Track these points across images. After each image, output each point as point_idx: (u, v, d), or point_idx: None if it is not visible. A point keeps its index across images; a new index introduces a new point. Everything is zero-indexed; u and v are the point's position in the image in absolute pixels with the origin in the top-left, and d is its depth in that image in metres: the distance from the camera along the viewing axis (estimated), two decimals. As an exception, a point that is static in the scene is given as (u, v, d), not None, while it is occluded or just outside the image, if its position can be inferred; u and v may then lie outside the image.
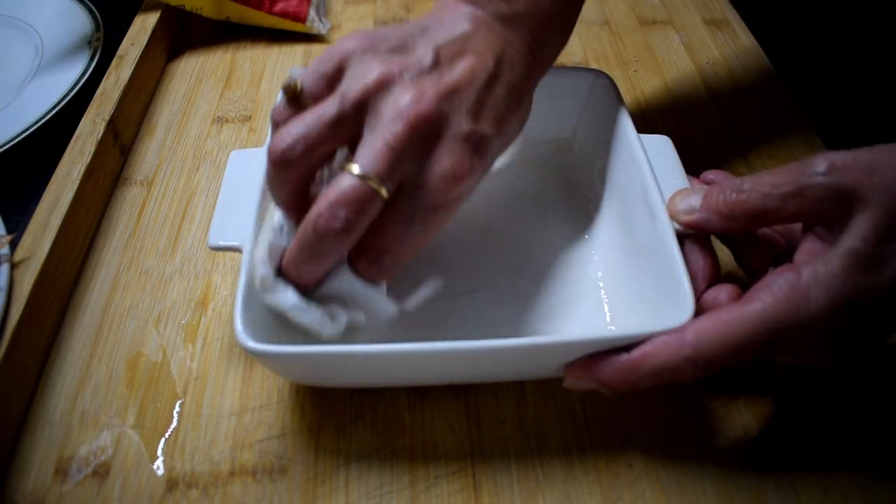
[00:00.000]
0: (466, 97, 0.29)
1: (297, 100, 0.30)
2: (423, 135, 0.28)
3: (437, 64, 0.30)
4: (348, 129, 0.29)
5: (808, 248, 0.28)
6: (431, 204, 0.29)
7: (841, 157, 0.26)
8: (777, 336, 0.26)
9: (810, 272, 0.26)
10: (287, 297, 0.30)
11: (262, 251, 0.30)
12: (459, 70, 0.30)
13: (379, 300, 0.31)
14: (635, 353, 0.28)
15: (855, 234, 0.25)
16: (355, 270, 0.30)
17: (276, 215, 0.31)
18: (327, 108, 0.29)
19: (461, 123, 0.29)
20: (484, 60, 0.30)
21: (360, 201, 0.27)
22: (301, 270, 0.29)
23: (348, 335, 0.31)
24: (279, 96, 0.31)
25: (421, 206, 0.29)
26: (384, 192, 0.28)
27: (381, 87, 0.29)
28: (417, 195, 0.29)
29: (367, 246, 0.29)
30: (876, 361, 0.34)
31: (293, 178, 0.29)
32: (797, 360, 0.33)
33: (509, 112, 0.31)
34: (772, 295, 0.26)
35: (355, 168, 0.27)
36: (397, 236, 0.29)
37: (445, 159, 0.29)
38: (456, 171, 0.29)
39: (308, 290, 0.30)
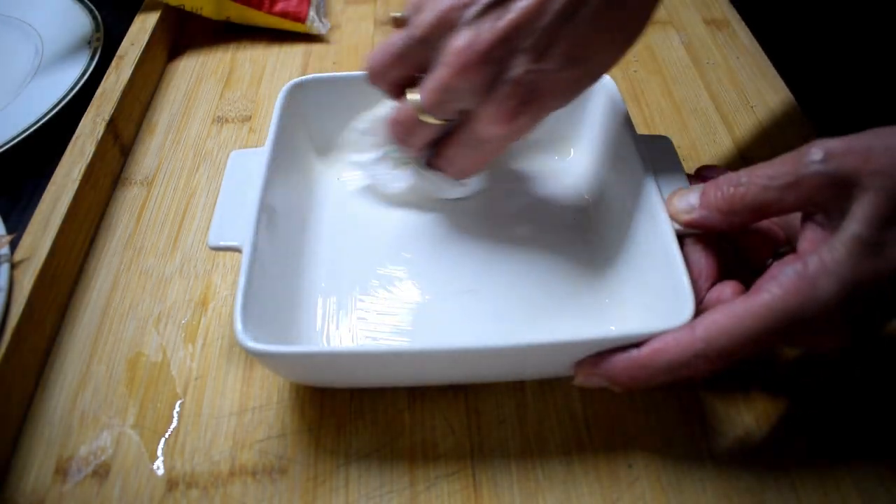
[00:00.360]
0: (530, 33, 0.29)
1: (399, 26, 0.33)
2: (471, 79, 0.30)
3: None
4: (417, 57, 0.32)
5: (810, 237, 0.28)
6: (483, 136, 0.32)
7: (836, 144, 0.26)
8: (787, 326, 0.26)
9: (816, 261, 0.26)
10: (370, 150, 0.38)
11: (370, 115, 0.38)
12: (523, 4, 0.29)
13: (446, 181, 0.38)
14: (646, 349, 0.28)
15: (857, 220, 0.25)
16: (432, 162, 0.37)
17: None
18: (395, 41, 0.32)
19: (516, 65, 0.29)
20: None
21: (410, 125, 0.33)
22: (391, 141, 0.36)
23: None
24: None
25: (474, 136, 0.33)
26: (432, 120, 0.32)
27: (444, 24, 0.30)
28: (470, 127, 0.32)
29: (439, 154, 0.35)
30: (876, 351, 0.34)
31: (382, 85, 0.34)
32: (806, 349, 0.33)
33: (597, 43, 0.30)
34: (780, 286, 0.26)
35: (410, 95, 0.32)
36: (458, 153, 0.34)
37: (492, 103, 0.30)
38: (500, 117, 0.31)
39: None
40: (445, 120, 0.32)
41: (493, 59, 0.29)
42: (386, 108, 0.36)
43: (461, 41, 0.30)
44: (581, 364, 0.29)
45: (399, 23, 0.33)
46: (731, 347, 0.26)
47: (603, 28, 0.30)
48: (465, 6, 0.30)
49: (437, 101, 0.31)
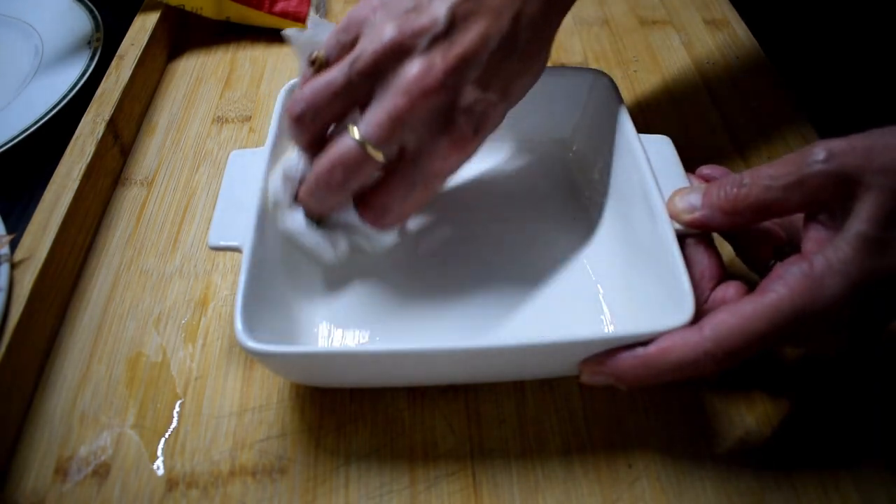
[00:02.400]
0: (476, 65, 0.29)
1: (321, 68, 0.32)
2: (427, 108, 0.29)
3: (451, 25, 0.30)
4: (356, 94, 0.30)
5: (814, 236, 0.28)
6: (432, 171, 0.31)
7: (838, 144, 0.26)
8: (794, 326, 0.26)
9: (822, 260, 0.26)
10: (294, 221, 0.33)
11: (277, 178, 0.33)
12: (472, 35, 0.29)
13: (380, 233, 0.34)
14: (653, 348, 0.28)
15: (861, 219, 0.26)
16: (361, 217, 0.33)
17: (295, 149, 0.33)
18: (336, 77, 0.30)
19: (467, 95, 0.30)
20: (500, 20, 0.30)
21: (355, 164, 0.30)
22: (309, 205, 0.33)
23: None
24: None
25: (421, 172, 0.31)
26: (380, 157, 0.30)
27: (392, 54, 0.30)
28: (419, 162, 0.31)
29: (372, 201, 0.32)
30: (877, 350, 0.34)
31: (306, 132, 0.32)
32: (811, 348, 0.33)
33: (521, 75, 0.31)
34: (786, 285, 0.26)
35: (356, 132, 0.30)
36: (398, 195, 0.32)
37: (447, 132, 0.30)
38: (456, 144, 0.30)
39: (318, 219, 0.34)
40: (386, 161, 0.30)
41: (448, 86, 0.29)
42: (291, 164, 0.33)
43: (415, 70, 0.29)
44: (587, 362, 0.29)
45: (321, 64, 0.31)
46: (739, 347, 0.26)
47: (527, 59, 0.31)
48: (416, 36, 0.29)
49: (389, 133, 0.29)
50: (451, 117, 0.30)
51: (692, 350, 0.27)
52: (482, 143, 0.32)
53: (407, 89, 0.29)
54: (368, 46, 0.30)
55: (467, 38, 0.29)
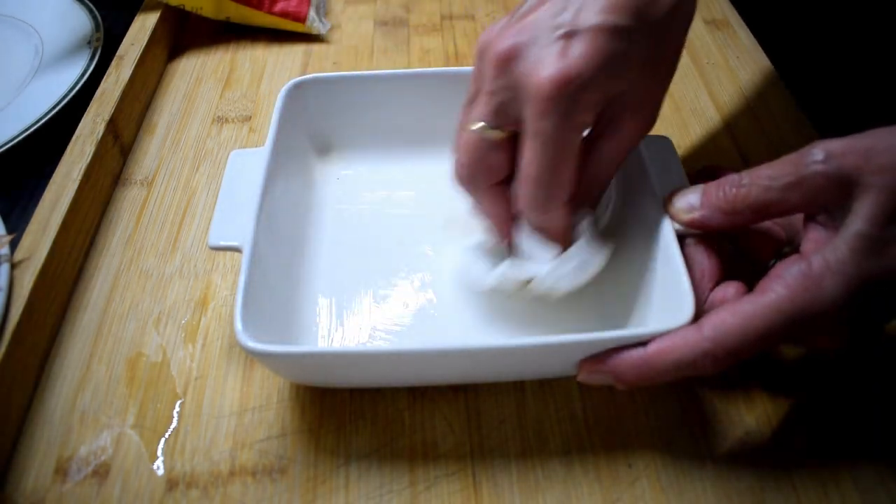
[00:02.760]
0: (546, 13, 0.29)
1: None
2: (509, 68, 0.29)
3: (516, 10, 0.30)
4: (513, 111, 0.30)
5: (813, 236, 0.28)
6: (538, 120, 0.28)
7: (837, 144, 0.26)
8: (793, 325, 0.26)
9: (821, 260, 0.26)
10: (491, 275, 0.34)
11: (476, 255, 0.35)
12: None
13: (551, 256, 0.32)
14: (653, 347, 0.28)
15: (860, 219, 0.26)
16: (530, 223, 0.32)
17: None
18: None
19: (540, 36, 0.28)
20: None
21: (473, 146, 0.31)
22: (536, 212, 0.31)
23: None
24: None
25: (535, 127, 0.28)
26: (490, 135, 0.30)
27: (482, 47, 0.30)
28: (528, 119, 0.28)
29: (517, 184, 0.31)
30: (877, 350, 0.34)
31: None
32: (810, 348, 0.33)
33: None
34: (786, 285, 0.26)
35: (466, 123, 0.31)
36: (528, 162, 0.29)
37: (532, 74, 0.28)
38: (544, 78, 0.27)
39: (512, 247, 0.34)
40: (503, 131, 0.30)
41: (519, 44, 0.29)
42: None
43: (484, 39, 0.30)
44: (586, 361, 0.29)
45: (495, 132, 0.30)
46: (738, 347, 0.26)
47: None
48: (532, 39, 0.28)
49: (487, 107, 0.30)
50: (534, 59, 0.28)
51: (691, 350, 0.27)
52: (594, 73, 0.28)
53: (485, 59, 0.30)
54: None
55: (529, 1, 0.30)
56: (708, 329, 0.27)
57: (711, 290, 0.30)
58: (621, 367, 0.28)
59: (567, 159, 0.29)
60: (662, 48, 0.30)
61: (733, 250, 0.33)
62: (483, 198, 0.33)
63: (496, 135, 0.30)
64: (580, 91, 0.27)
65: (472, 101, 0.32)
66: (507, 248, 0.34)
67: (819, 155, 0.26)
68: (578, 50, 0.27)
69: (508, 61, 0.29)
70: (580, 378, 0.30)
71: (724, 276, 0.31)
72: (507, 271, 0.33)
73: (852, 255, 0.25)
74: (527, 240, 0.32)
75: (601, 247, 0.32)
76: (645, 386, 0.28)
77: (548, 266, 0.31)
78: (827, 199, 0.27)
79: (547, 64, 0.27)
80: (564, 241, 0.32)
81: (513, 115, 0.29)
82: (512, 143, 0.30)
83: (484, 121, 0.30)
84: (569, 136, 0.29)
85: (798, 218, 0.29)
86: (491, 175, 0.32)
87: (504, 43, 0.29)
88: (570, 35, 0.28)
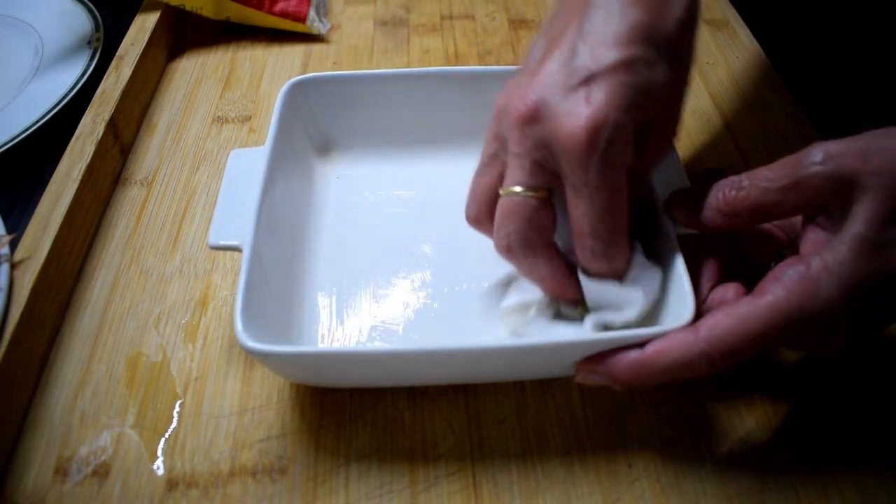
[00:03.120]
0: (558, 61, 0.28)
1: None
2: (536, 126, 0.28)
3: (528, 62, 0.29)
4: (548, 174, 0.29)
5: (812, 238, 0.28)
6: (581, 172, 0.28)
7: (836, 146, 0.26)
8: (790, 327, 0.26)
9: (819, 262, 0.26)
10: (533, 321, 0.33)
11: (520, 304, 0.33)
12: (543, 45, 0.29)
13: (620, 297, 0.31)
14: (649, 349, 0.28)
15: (859, 221, 0.26)
16: (586, 272, 0.32)
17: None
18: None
19: (559, 87, 0.28)
20: (569, 18, 0.29)
21: (519, 210, 0.30)
22: (532, 281, 0.33)
23: None
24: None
25: (581, 180, 0.28)
26: (532, 195, 0.29)
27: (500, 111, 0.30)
28: (571, 174, 0.28)
29: (574, 240, 0.30)
30: (877, 351, 0.34)
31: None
32: (808, 350, 0.33)
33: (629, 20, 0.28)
34: (783, 287, 0.26)
35: (501, 191, 0.30)
36: (582, 215, 0.29)
37: (564, 128, 0.27)
38: (577, 129, 0.27)
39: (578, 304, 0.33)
40: (542, 190, 0.29)
41: (540, 99, 0.28)
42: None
43: (503, 101, 0.29)
44: (582, 362, 0.29)
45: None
46: (735, 349, 0.26)
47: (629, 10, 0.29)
48: (552, 93, 0.28)
49: (522, 170, 0.29)
50: (560, 112, 0.28)
51: (687, 351, 0.27)
52: (624, 113, 0.27)
53: (509, 121, 0.29)
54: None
55: (539, 52, 0.30)
56: (704, 331, 0.27)
57: (710, 290, 0.30)
58: (617, 369, 0.28)
59: (619, 202, 0.29)
60: (679, 60, 0.29)
61: (733, 251, 0.33)
62: (540, 260, 0.31)
63: (540, 194, 0.29)
64: (615, 133, 0.27)
65: (488, 165, 0.31)
66: (555, 300, 0.33)
67: (818, 156, 0.26)
68: (602, 93, 0.27)
69: (534, 120, 0.28)
70: (577, 379, 0.30)
71: (723, 277, 0.31)
72: (598, 320, 0.31)
73: (851, 256, 0.25)
74: (589, 286, 0.32)
75: (654, 267, 0.32)
76: (641, 387, 0.28)
77: (637, 310, 0.31)
78: (826, 201, 0.27)
79: (576, 115, 0.27)
80: (624, 273, 0.31)
81: (549, 172, 0.29)
82: (551, 200, 0.30)
83: (522, 184, 0.29)
84: (616, 181, 0.28)
85: (798, 220, 0.29)
86: (544, 235, 0.31)
87: (525, 102, 0.28)
88: (590, 80, 0.27)
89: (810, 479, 0.31)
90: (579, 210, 0.29)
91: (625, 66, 0.27)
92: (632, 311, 0.31)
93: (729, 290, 0.30)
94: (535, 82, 0.28)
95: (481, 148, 0.32)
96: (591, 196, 0.28)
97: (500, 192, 0.30)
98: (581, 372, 0.30)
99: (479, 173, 0.32)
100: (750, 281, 0.29)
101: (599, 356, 0.29)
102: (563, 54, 0.28)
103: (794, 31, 0.57)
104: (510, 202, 0.30)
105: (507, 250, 0.31)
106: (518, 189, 0.29)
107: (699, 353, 0.27)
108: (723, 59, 0.53)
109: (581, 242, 0.30)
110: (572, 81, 0.27)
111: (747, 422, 0.33)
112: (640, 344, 0.28)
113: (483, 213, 0.32)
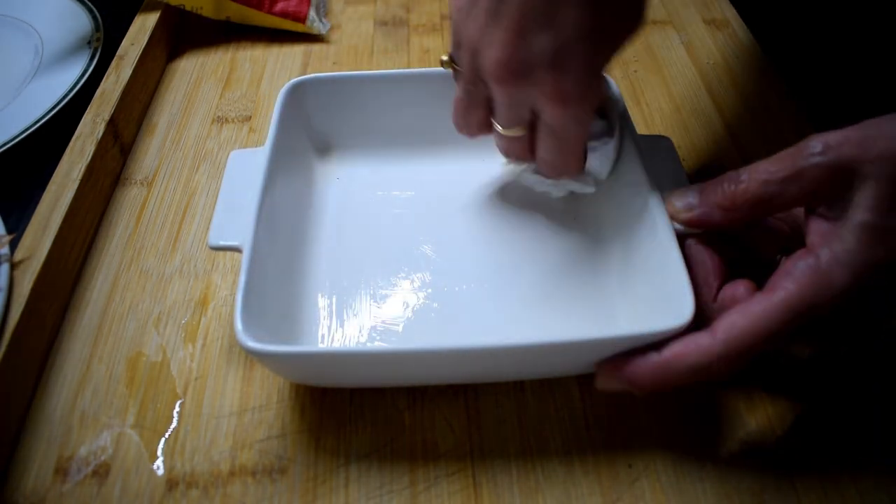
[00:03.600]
0: (536, 15, 0.29)
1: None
2: (515, 79, 0.30)
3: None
4: (481, 96, 0.34)
5: (817, 229, 0.28)
6: (552, 126, 0.32)
7: (834, 136, 0.26)
8: (805, 320, 0.26)
9: (828, 253, 0.26)
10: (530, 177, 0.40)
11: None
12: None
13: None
14: (667, 353, 0.28)
15: (862, 208, 0.26)
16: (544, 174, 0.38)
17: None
18: (458, 95, 0.35)
19: (543, 46, 0.29)
20: None
21: (508, 142, 0.35)
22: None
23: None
24: None
25: (546, 131, 0.33)
26: (512, 132, 0.34)
27: (472, 52, 0.32)
28: (541, 123, 0.33)
29: (537, 160, 0.36)
30: (877, 345, 0.34)
31: (473, 134, 0.37)
32: (822, 342, 0.33)
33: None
34: (795, 281, 0.26)
35: (501, 130, 0.35)
36: (544, 152, 0.34)
37: (542, 89, 0.30)
38: (554, 96, 0.30)
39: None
40: (523, 128, 0.34)
41: (518, 58, 0.29)
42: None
43: (489, 59, 0.30)
44: (602, 367, 0.29)
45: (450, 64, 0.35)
46: (752, 349, 0.26)
47: None
48: (482, 29, 0.30)
49: (506, 117, 0.33)
50: (537, 74, 0.30)
51: (705, 354, 0.27)
52: (592, 75, 0.31)
53: (493, 76, 0.31)
54: (462, 53, 0.33)
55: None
56: (720, 333, 0.27)
57: (719, 287, 0.30)
58: (637, 374, 0.28)
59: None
60: None
61: (737, 248, 0.33)
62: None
63: (520, 131, 0.34)
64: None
65: (469, 99, 0.34)
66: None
67: (817, 147, 0.26)
68: (574, 64, 0.30)
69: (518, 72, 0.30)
70: (598, 386, 0.30)
71: (729, 273, 0.31)
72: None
73: (859, 245, 0.26)
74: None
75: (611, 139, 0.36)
76: (659, 391, 0.28)
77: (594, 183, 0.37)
78: (826, 191, 0.27)
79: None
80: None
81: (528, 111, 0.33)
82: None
83: (509, 125, 0.34)
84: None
85: (800, 212, 0.29)
86: (526, 151, 0.36)
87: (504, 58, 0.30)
88: (561, 54, 0.29)
89: (810, 479, 0.31)
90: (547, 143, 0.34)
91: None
92: (591, 188, 0.38)
93: (739, 286, 0.29)
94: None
95: (481, 148, 0.32)
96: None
97: (501, 130, 0.35)
98: (600, 378, 0.30)
99: (458, 106, 0.36)
100: (756, 275, 0.29)
101: (619, 361, 0.29)
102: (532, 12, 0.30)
103: (794, 31, 0.57)
104: (502, 138, 0.35)
105: (503, 149, 0.37)
106: (506, 131, 0.34)
107: (717, 356, 0.27)
108: (723, 59, 0.53)
109: (550, 157, 0.35)
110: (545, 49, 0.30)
111: (747, 422, 0.33)
112: (652, 344, 0.28)
113: (477, 134, 0.37)
